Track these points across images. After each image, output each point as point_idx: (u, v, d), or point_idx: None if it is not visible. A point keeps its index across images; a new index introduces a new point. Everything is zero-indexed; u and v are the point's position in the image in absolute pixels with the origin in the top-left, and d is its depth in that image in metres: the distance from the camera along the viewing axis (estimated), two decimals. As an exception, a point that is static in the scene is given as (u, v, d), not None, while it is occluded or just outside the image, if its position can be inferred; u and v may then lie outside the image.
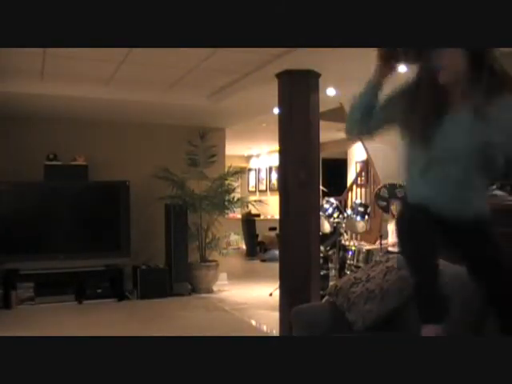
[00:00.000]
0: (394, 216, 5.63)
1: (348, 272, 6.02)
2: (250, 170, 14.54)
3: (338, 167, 10.81)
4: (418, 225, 2.11)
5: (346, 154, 10.52)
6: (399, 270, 2.93)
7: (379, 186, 5.93)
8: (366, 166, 8.44)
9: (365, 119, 2.34)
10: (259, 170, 14.08)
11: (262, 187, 13.82)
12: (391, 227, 5.63)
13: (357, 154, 9.97)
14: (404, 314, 2.87)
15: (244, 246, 12.37)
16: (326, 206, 6.34)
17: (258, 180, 14.12)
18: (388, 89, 2.55)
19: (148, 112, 7.00)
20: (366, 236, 6.78)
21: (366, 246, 6.03)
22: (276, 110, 5.30)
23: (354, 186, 8.78)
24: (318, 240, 5.03)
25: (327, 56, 4.39)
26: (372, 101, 2.36)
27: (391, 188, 5.57)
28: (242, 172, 10.01)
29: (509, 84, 2.18)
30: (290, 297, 4.64)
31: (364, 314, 2.84)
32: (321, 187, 5.78)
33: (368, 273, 3.09)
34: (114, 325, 5.52)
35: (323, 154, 8.28)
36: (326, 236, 6.25)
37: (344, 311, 3.00)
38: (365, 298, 2.90)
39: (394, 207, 5.53)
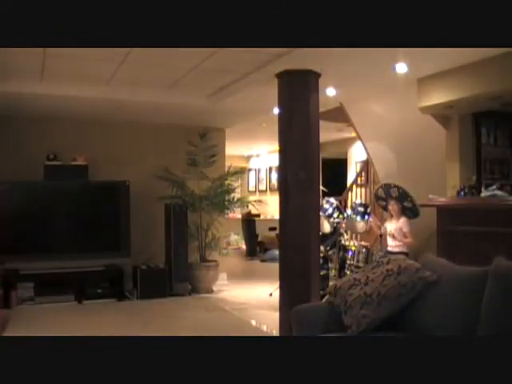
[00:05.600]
0: (391, 216, 5.63)
1: (348, 272, 6.02)
2: (250, 170, 14.54)
3: (338, 167, 10.81)
4: None
5: (345, 154, 10.52)
6: (398, 274, 2.92)
7: (376, 187, 5.94)
8: (366, 166, 8.43)
9: None
10: (259, 170, 14.07)
11: (262, 187, 13.81)
12: (390, 226, 5.62)
13: (357, 154, 9.97)
14: (400, 321, 2.87)
15: (244, 246, 12.37)
16: (326, 206, 6.33)
17: (258, 180, 14.12)
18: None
19: (148, 112, 7.00)
20: (365, 236, 6.78)
21: (371, 237, 5.99)
22: (276, 110, 5.30)
23: (354, 186, 8.77)
24: (318, 240, 5.03)
25: (327, 56, 4.39)
26: None
27: (386, 188, 5.57)
28: (241, 172, 10.01)
29: None
30: (290, 297, 4.64)
31: (359, 318, 2.83)
32: (321, 187, 5.77)
33: (367, 275, 3.08)
34: (114, 325, 5.52)
35: (323, 154, 8.27)
36: (325, 236, 6.25)
37: (341, 312, 3.00)
38: (361, 302, 2.89)
39: (391, 207, 5.53)
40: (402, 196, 5.40)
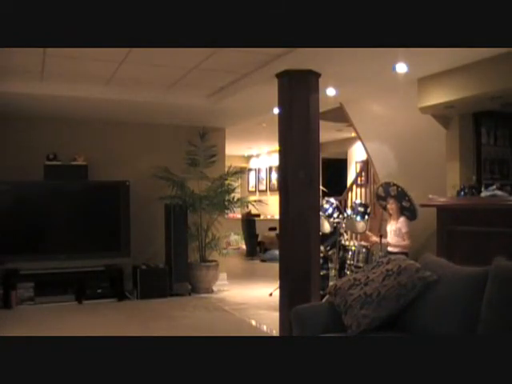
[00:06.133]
0: (390, 215, 5.63)
1: (348, 272, 6.01)
2: (250, 170, 14.54)
3: (338, 167, 10.81)
4: None
5: (345, 154, 10.52)
6: (398, 274, 2.92)
7: (377, 186, 5.95)
8: (366, 165, 8.44)
9: None
10: (259, 170, 14.08)
11: (262, 187, 13.81)
12: (390, 227, 5.63)
13: (357, 154, 9.97)
14: (400, 321, 2.87)
15: (244, 246, 12.37)
16: (326, 206, 6.33)
17: (258, 180, 14.12)
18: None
19: (148, 112, 7.00)
20: (365, 236, 6.78)
21: (372, 236, 5.98)
22: (276, 110, 5.29)
23: (354, 186, 8.78)
24: (318, 240, 5.02)
25: (327, 56, 4.39)
26: None
27: (386, 186, 5.58)
28: (241, 172, 10.00)
29: None
30: (290, 297, 4.64)
31: (359, 318, 2.83)
32: (321, 187, 5.77)
33: (368, 275, 3.08)
34: (114, 325, 5.52)
35: (323, 154, 8.27)
36: (325, 236, 6.24)
37: (341, 312, 3.00)
38: (361, 302, 2.89)
39: (390, 206, 5.53)
40: (401, 195, 5.40)
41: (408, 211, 5.44)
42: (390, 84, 5.40)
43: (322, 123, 5.05)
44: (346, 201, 8.46)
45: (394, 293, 2.85)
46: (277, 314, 4.98)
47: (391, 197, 5.51)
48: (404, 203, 5.41)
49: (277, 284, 5.36)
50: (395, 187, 5.43)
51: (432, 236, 4.86)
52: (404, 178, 5.74)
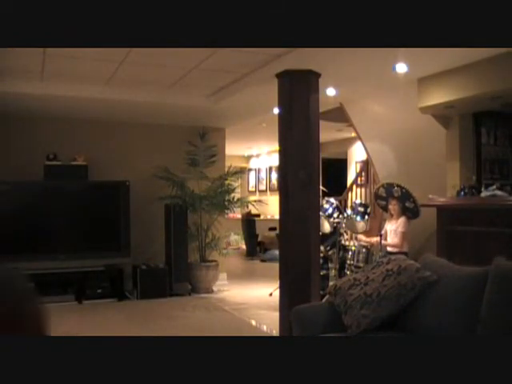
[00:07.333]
0: (391, 215, 5.62)
1: (348, 272, 6.01)
2: (250, 170, 14.54)
3: (338, 167, 10.82)
4: None
5: (345, 154, 10.53)
6: (398, 274, 2.92)
7: (377, 186, 5.94)
8: (366, 165, 8.44)
9: None
10: (259, 170, 14.08)
11: (262, 187, 13.81)
12: (390, 227, 5.63)
13: (357, 154, 9.97)
14: (400, 321, 2.87)
15: (244, 246, 12.37)
16: (326, 206, 6.33)
17: (258, 180, 14.12)
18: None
19: (148, 112, 7.00)
20: (365, 236, 6.78)
21: (368, 239, 5.98)
22: (276, 110, 5.29)
23: (354, 186, 8.78)
24: (318, 240, 5.02)
25: (327, 56, 4.39)
26: None
27: (388, 187, 5.57)
28: (241, 172, 10.00)
29: None
30: (290, 297, 4.64)
31: (359, 318, 2.83)
32: (321, 187, 5.77)
33: (367, 275, 3.08)
34: (114, 325, 5.52)
35: (323, 154, 8.27)
36: (325, 236, 6.24)
37: (341, 312, 3.00)
38: (361, 302, 2.89)
39: (392, 207, 5.53)
40: (405, 196, 5.39)
41: (410, 211, 5.43)
42: (389, 84, 5.40)
43: (322, 123, 5.05)
44: (346, 201, 8.46)
45: (394, 293, 2.85)
46: (277, 314, 4.98)
47: (394, 198, 5.50)
48: (408, 204, 5.40)
49: (277, 284, 5.36)
50: (399, 188, 5.42)
51: (432, 236, 4.86)
52: (404, 178, 5.74)
